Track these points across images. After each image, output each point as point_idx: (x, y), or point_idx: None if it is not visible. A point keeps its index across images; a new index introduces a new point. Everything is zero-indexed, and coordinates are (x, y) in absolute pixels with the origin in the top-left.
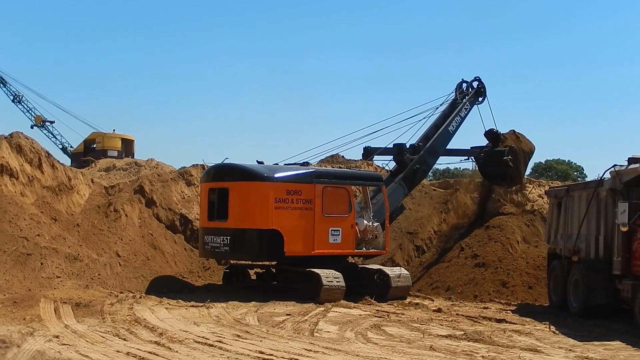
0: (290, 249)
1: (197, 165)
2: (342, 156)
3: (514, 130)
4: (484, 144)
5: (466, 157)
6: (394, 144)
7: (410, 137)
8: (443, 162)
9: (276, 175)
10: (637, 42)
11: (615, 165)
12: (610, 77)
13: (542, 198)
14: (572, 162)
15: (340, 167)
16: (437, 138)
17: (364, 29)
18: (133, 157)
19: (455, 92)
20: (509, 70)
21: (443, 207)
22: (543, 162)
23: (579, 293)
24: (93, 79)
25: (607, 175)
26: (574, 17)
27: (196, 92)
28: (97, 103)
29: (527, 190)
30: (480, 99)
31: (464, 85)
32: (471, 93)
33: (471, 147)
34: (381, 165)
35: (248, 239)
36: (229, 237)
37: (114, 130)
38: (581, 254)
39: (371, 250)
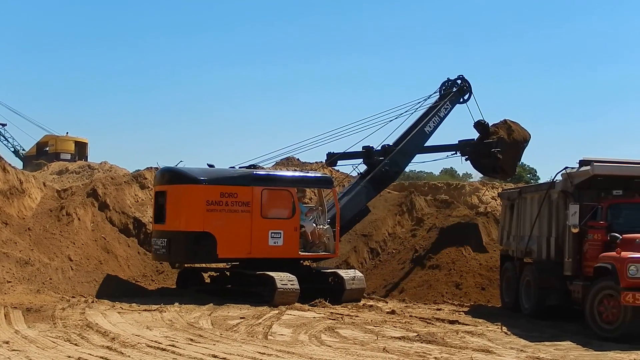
0: (224, 252)
1: (151, 168)
2: (297, 159)
3: (506, 120)
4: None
5: (453, 152)
6: (362, 147)
7: (385, 138)
8: (428, 160)
9: (209, 177)
10: (590, 49)
11: (566, 167)
12: (563, 81)
13: (495, 200)
14: (525, 165)
15: (295, 170)
16: (412, 138)
17: (329, 29)
18: (86, 160)
19: (440, 91)
20: (463, 70)
21: (398, 209)
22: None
23: (531, 294)
24: (46, 81)
25: (559, 178)
26: (527, 23)
27: (151, 94)
28: (50, 105)
29: (480, 192)
30: (464, 97)
31: (449, 83)
32: (453, 92)
33: (459, 141)
34: (349, 171)
35: (182, 241)
36: (166, 240)
37: (67, 133)
38: (533, 255)
39: (321, 253)
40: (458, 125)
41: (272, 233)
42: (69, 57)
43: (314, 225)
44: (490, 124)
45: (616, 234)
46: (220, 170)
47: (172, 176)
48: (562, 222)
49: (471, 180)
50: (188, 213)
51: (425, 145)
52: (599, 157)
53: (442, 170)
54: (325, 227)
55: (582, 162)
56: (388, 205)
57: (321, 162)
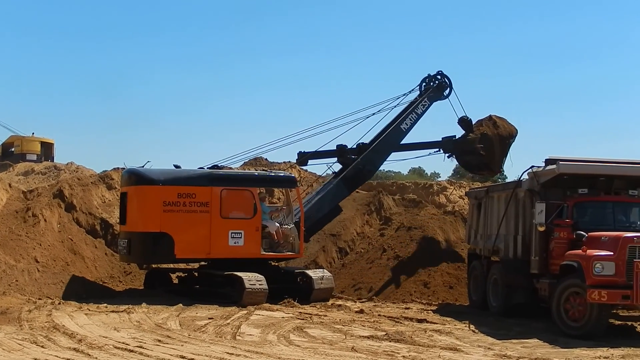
0: (181, 252)
1: (118, 168)
2: (266, 159)
3: (491, 115)
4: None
5: (436, 150)
6: (336, 145)
7: (362, 136)
8: (410, 157)
9: (165, 178)
10: (560, 48)
11: (533, 166)
12: (531, 80)
13: (463, 199)
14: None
15: (263, 170)
16: (386, 136)
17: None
18: (52, 161)
19: (420, 87)
20: (449, 66)
21: (366, 209)
22: (455, 165)
23: (499, 292)
24: (10, 81)
25: (525, 177)
26: (497, 18)
27: (118, 93)
28: (15, 106)
29: (448, 191)
30: (444, 93)
31: (428, 79)
32: (431, 88)
33: (442, 138)
34: (323, 170)
35: (140, 241)
36: (126, 240)
37: (32, 133)
38: (500, 253)
39: (285, 253)
40: (445, 122)
41: (232, 233)
42: (34, 56)
43: (278, 225)
44: (475, 120)
45: (582, 232)
46: (179, 171)
47: (132, 177)
48: (529, 220)
49: (439, 179)
50: (145, 214)
51: (403, 143)
52: (565, 156)
53: (410, 170)
54: (290, 227)
55: (548, 161)
56: (356, 204)
57: (290, 162)
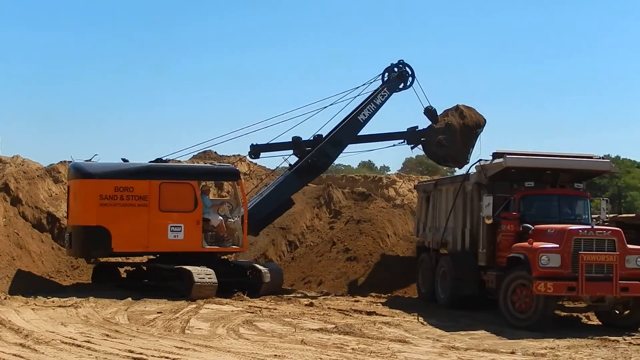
0: (119, 246)
1: (65, 162)
2: (215, 152)
3: (458, 105)
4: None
5: (402, 140)
6: (292, 137)
7: (321, 127)
8: (374, 149)
9: (102, 172)
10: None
11: (480, 160)
12: (482, 74)
13: (412, 192)
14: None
15: (212, 163)
16: (343, 128)
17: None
18: None
19: (382, 77)
20: (421, 54)
21: (316, 202)
22: (414, 157)
23: (447, 284)
24: None
25: (473, 170)
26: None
27: (65, 85)
28: None
29: (397, 184)
30: (405, 84)
31: (391, 70)
32: (391, 78)
33: (408, 129)
34: (279, 163)
35: (79, 235)
36: (68, 234)
37: None
38: (448, 246)
39: (229, 247)
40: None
41: (171, 227)
42: None
43: (221, 218)
44: (443, 110)
45: (528, 225)
46: (117, 164)
47: (72, 171)
48: (476, 213)
49: (388, 172)
50: (83, 207)
51: (366, 134)
52: (512, 150)
53: (360, 163)
54: (234, 220)
55: (496, 155)
56: (306, 198)
57: (239, 155)
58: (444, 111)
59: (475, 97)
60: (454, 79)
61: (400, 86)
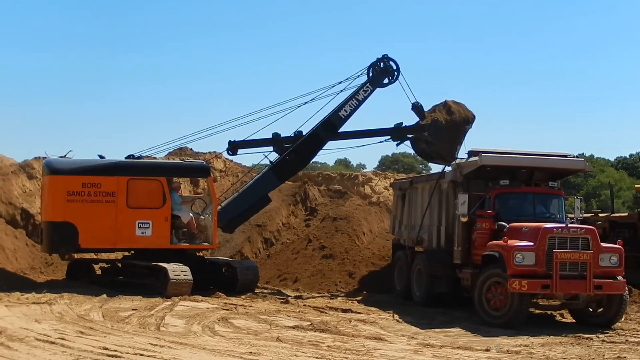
0: (86, 242)
1: (39, 158)
2: (191, 149)
3: (446, 101)
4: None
5: (388, 137)
6: (272, 134)
7: (303, 123)
8: (360, 145)
9: (70, 168)
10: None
11: (456, 158)
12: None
13: (388, 190)
14: (417, 155)
15: (186, 160)
16: (323, 124)
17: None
18: None
19: (368, 72)
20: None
21: (292, 199)
22: (390, 155)
23: (422, 282)
24: None
25: (449, 168)
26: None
27: (37, 81)
28: None
29: (373, 182)
30: (389, 79)
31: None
32: (375, 74)
33: (395, 125)
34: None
35: (48, 231)
36: (41, 230)
37: None
38: (424, 244)
39: (199, 244)
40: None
41: (139, 223)
42: None
43: (191, 215)
44: (432, 106)
45: (503, 223)
46: (85, 161)
47: (43, 167)
48: (452, 211)
49: (365, 170)
50: (51, 203)
51: (350, 130)
52: (487, 148)
53: (336, 161)
54: (204, 218)
55: (471, 153)
56: (282, 195)
57: (215, 152)
58: (432, 107)
59: (459, 91)
60: (440, 73)
61: (385, 81)
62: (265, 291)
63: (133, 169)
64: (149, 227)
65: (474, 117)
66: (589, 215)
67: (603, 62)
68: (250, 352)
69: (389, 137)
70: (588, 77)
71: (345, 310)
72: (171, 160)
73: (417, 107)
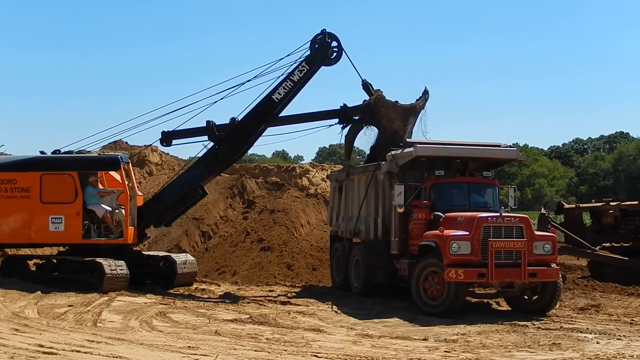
0: (2, 238)
1: None
2: (126, 142)
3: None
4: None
5: (336, 121)
6: (206, 122)
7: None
8: (305, 129)
9: None
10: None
11: (391, 149)
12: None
13: (325, 182)
14: (355, 147)
15: (123, 154)
16: (255, 110)
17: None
18: None
19: (311, 50)
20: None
21: (229, 192)
22: (327, 146)
23: (360, 273)
24: None
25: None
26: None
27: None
28: None
29: (310, 174)
30: (329, 57)
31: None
32: (311, 52)
33: (342, 106)
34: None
35: None
36: None
37: None
38: (361, 235)
39: (112, 239)
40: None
41: (52, 218)
42: None
43: (107, 209)
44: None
45: (439, 213)
46: (1, 157)
47: None
48: (388, 202)
49: (302, 162)
50: None
51: (292, 114)
52: (422, 139)
53: (274, 153)
54: (118, 212)
55: (406, 144)
56: (219, 188)
57: (151, 145)
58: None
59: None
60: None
61: (325, 60)
62: (203, 285)
63: (46, 164)
64: (61, 222)
65: (423, 104)
66: (600, 204)
67: (539, 54)
68: (189, 347)
69: (337, 120)
70: (524, 68)
71: (284, 303)
72: (81, 155)
73: (366, 86)
